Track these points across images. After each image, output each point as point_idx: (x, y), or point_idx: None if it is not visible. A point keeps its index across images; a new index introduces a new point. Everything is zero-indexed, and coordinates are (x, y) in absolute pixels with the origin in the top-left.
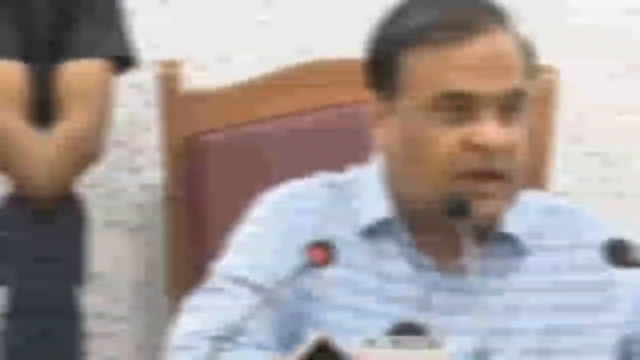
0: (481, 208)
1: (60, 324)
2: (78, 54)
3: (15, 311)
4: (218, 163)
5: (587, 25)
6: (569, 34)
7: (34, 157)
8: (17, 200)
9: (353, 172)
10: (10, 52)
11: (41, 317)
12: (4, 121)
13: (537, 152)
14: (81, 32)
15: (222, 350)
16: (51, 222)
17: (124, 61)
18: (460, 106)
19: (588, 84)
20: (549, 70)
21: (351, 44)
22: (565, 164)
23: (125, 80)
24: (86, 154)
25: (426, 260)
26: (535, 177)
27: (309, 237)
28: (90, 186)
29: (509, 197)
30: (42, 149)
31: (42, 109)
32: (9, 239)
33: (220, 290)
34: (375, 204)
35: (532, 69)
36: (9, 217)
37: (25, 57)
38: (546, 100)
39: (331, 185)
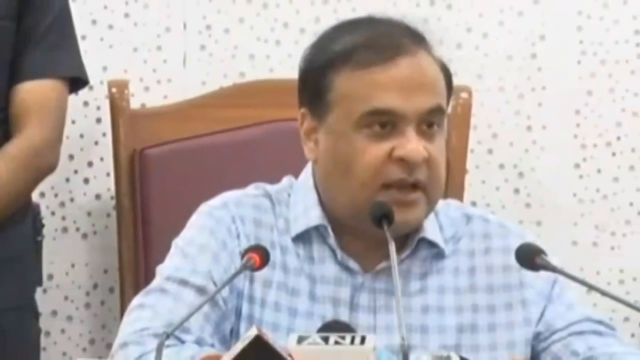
0: (403, 216)
1: (18, 321)
2: (34, 75)
3: None
4: (161, 174)
5: (501, 50)
6: (484, 58)
7: None
8: None
9: (286, 182)
10: None
11: (2, 316)
12: None
13: (454, 165)
14: (36, 55)
15: (166, 345)
16: (9, 228)
17: (76, 81)
18: (385, 122)
19: (500, 103)
20: (466, 90)
21: (281, 67)
22: (479, 175)
23: (77, 99)
24: (42, 165)
25: (353, 264)
26: (453, 188)
27: (246, 242)
28: (46, 195)
29: (429, 206)
30: None
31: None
32: None
33: (164, 291)
34: (306, 212)
35: (450, 89)
36: None
37: None
38: (462, 117)
39: (265, 195)
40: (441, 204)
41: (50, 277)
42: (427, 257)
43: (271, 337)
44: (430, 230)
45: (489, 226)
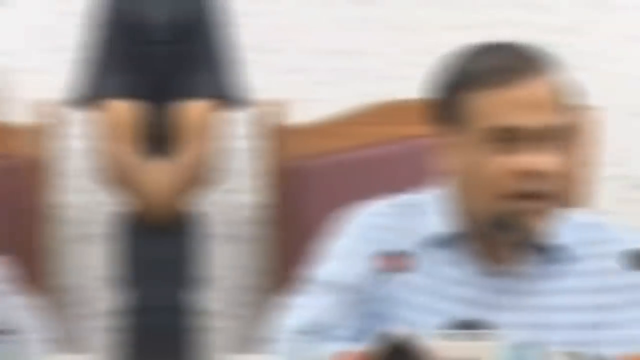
0: (526, 223)
1: (176, 319)
2: (196, 95)
3: (145, 309)
4: (310, 185)
5: (628, 71)
6: (613, 79)
7: (146, 184)
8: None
9: (422, 193)
10: (125, 94)
11: (168, 314)
12: (117, 153)
13: (583, 177)
14: (199, 76)
15: (313, 341)
16: (175, 235)
17: (235, 101)
18: (508, 138)
19: (628, 120)
20: (594, 108)
21: (420, 87)
22: (606, 187)
23: (234, 117)
24: (200, 179)
25: (483, 267)
26: (582, 198)
27: (387, 248)
28: (207, 205)
29: (551, 214)
30: (158, 176)
31: (161, 142)
32: (137, 248)
33: (313, 292)
34: (440, 219)
35: (573, 109)
36: (136, 230)
37: (147, 98)
38: (590, 133)
39: (403, 204)
40: (569, 211)
41: (210, 278)
42: (553, 260)
43: (407, 335)
44: (557, 235)
45: (612, 232)
